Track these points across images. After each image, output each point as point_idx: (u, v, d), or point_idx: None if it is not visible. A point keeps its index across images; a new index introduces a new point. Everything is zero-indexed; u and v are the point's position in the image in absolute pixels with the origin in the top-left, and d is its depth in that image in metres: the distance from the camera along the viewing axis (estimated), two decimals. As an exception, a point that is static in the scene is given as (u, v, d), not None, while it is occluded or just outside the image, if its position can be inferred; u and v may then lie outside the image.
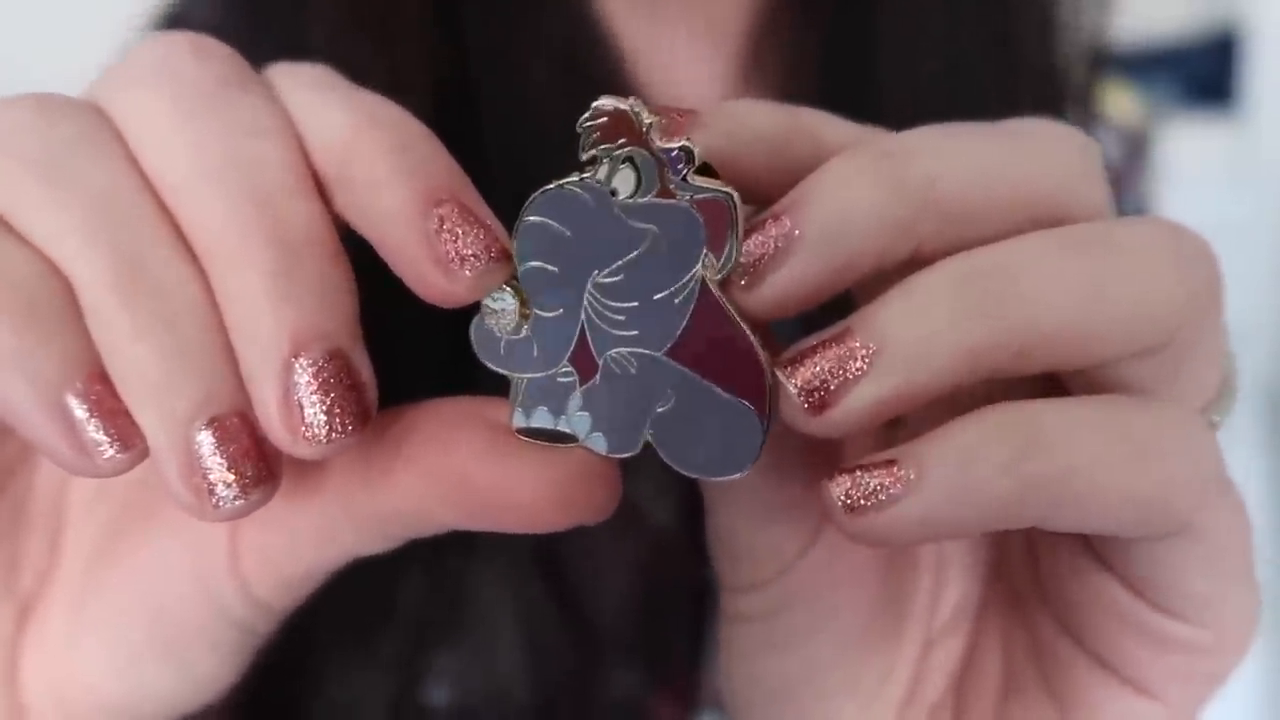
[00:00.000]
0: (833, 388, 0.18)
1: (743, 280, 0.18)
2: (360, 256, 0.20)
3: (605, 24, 0.40)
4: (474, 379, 0.21)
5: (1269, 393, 1.33)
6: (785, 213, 0.18)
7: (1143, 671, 0.21)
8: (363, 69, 0.35)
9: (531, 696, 0.36)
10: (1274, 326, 1.27)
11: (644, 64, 0.40)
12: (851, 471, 0.18)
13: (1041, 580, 0.23)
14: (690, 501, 0.37)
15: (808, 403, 0.18)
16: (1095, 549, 0.21)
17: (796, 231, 0.18)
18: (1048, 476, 0.17)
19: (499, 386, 0.20)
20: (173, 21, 0.43)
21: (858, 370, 0.17)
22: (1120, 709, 0.22)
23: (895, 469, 0.17)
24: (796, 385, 0.18)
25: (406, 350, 0.25)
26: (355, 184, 0.19)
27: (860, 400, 0.18)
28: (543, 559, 0.37)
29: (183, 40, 0.21)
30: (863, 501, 0.18)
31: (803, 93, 0.20)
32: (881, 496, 0.17)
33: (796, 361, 0.18)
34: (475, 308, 0.20)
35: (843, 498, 0.18)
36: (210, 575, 0.22)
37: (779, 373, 0.18)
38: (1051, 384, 0.20)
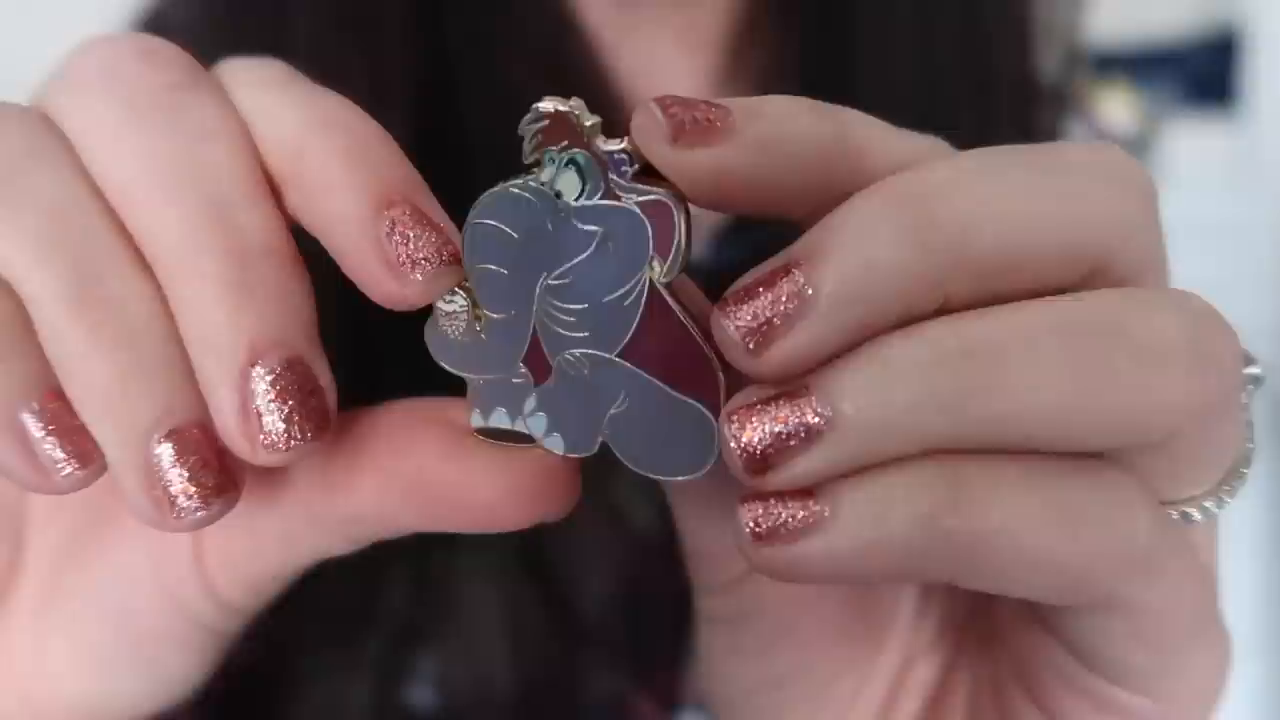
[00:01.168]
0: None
1: (749, 343, 0.16)
2: (323, 256, 0.20)
3: (585, 27, 0.40)
4: (444, 379, 0.21)
5: (1269, 393, 1.33)
6: (798, 265, 0.16)
7: None
8: (345, 69, 0.34)
9: (515, 697, 0.36)
10: (1274, 326, 1.27)
11: (624, 68, 0.40)
12: (765, 498, 0.17)
13: (999, 624, 0.22)
14: None
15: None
16: (1032, 605, 0.20)
17: (810, 290, 0.16)
18: (963, 535, 0.16)
19: (464, 387, 0.20)
20: (152, 21, 0.43)
21: (810, 436, 0.16)
22: None
23: (810, 502, 0.16)
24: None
25: (373, 352, 0.25)
26: (306, 185, 0.19)
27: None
28: (527, 560, 0.36)
29: (128, 43, 0.20)
30: (770, 531, 0.17)
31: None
32: (790, 528, 0.16)
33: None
34: (430, 309, 0.19)
35: (751, 524, 0.17)
36: (174, 577, 0.22)
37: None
38: None
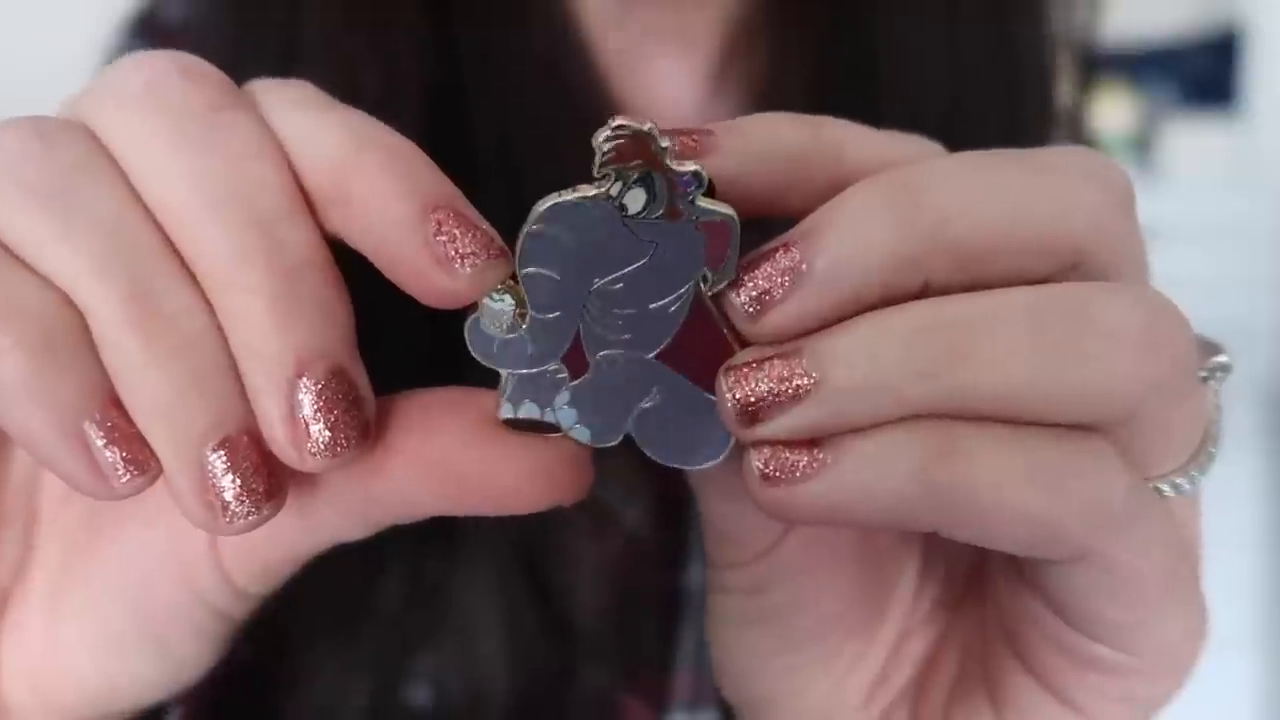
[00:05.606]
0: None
1: (749, 309, 0.18)
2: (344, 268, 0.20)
3: (585, 36, 0.40)
4: (458, 380, 0.21)
5: (1269, 393, 1.34)
6: (795, 244, 0.18)
7: (1065, 686, 0.22)
8: (359, 74, 0.35)
9: (510, 696, 0.37)
10: (1274, 327, 1.28)
11: (623, 75, 0.41)
12: (775, 445, 0.18)
13: (990, 589, 0.24)
14: (660, 508, 0.38)
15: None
16: (1018, 563, 0.21)
17: (804, 265, 0.18)
18: (950, 488, 0.18)
19: (484, 382, 0.21)
20: (149, 18, 0.43)
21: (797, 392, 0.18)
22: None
23: (815, 450, 0.18)
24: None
25: (389, 356, 0.25)
26: (352, 199, 0.20)
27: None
28: (521, 561, 0.37)
29: (170, 61, 0.21)
30: (777, 474, 0.18)
31: (787, 102, 0.20)
32: (795, 473, 0.18)
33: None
34: (463, 314, 0.20)
35: (760, 466, 0.18)
36: (190, 561, 0.23)
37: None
38: None
